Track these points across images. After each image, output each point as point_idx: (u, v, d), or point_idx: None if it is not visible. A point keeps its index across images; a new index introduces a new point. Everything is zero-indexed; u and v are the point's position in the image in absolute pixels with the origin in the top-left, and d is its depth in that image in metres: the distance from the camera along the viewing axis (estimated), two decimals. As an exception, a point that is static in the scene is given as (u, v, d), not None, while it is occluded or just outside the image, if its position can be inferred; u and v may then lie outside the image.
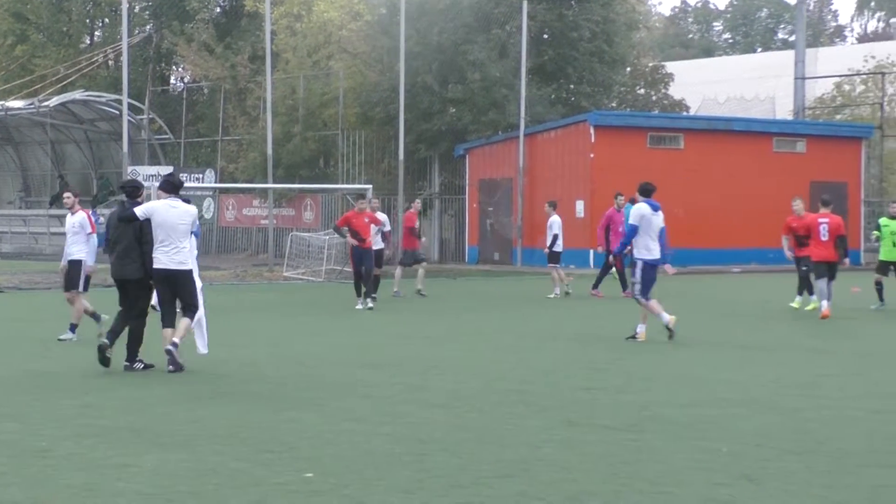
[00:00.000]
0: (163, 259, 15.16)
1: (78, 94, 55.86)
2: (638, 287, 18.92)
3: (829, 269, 23.70)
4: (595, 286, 29.16)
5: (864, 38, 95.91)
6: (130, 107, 47.16)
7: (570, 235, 42.19)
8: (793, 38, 70.20)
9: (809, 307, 24.58)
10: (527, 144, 43.50)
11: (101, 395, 13.17)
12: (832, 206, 24.79)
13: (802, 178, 44.67)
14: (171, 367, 14.97)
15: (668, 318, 18.77)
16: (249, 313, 24.15)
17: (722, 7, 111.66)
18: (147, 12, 63.74)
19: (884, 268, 25.55)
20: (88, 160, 61.11)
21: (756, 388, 13.69)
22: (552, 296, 28.74)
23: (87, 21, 67.74)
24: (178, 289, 15.34)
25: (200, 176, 48.48)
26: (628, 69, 52.81)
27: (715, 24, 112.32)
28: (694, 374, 14.93)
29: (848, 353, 17.70)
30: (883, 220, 25.89)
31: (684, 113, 52.53)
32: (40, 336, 19.59)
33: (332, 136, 48.41)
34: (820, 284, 23.70)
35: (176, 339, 15.04)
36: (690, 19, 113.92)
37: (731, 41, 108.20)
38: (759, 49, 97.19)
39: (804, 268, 24.66)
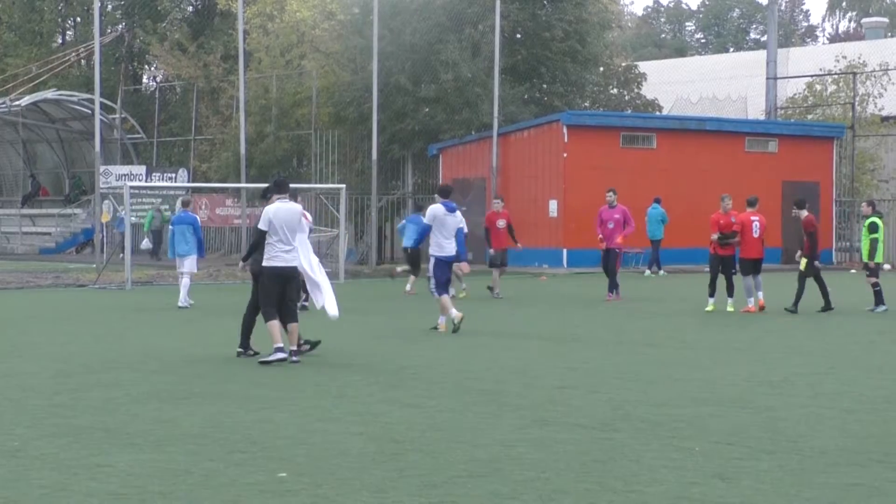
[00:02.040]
0: (283, 256, 16.23)
1: (50, 94, 55.63)
2: (433, 282, 20.59)
3: (753, 266, 24.46)
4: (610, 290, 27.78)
5: (835, 39, 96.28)
6: (103, 106, 46.96)
7: (544, 235, 42.33)
8: (764, 38, 70.43)
9: (709, 308, 24.53)
10: (500, 144, 43.51)
11: (73, 395, 13.13)
12: (758, 206, 25.40)
13: (774, 177, 44.84)
14: (295, 359, 16.16)
15: (456, 313, 20.02)
16: (222, 313, 24.08)
17: (694, 7, 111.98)
18: (119, 11, 63.53)
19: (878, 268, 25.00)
20: (60, 159, 60.89)
21: (728, 387, 13.74)
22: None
23: (59, 20, 67.49)
24: (289, 284, 16.36)
25: (173, 175, 48.37)
26: (601, 69, 52.83)
27: (687, 24, 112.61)
28: (666, 374, 14.96)
29: (820, 352, 17.78)
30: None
31: (657, 113, 52.60)
32: (11, 336, 19.53)
33: (306, 135, 48.30)
34: (746, 282, 24.45)
35: (294, 347, 16.19)
36: (663, 19, 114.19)
37: (703, 41, 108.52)
38: (732, 49, 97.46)
39: (733, 270, 24.70)
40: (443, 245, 20.29)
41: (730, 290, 24.66)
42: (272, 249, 16.15)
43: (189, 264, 25.70)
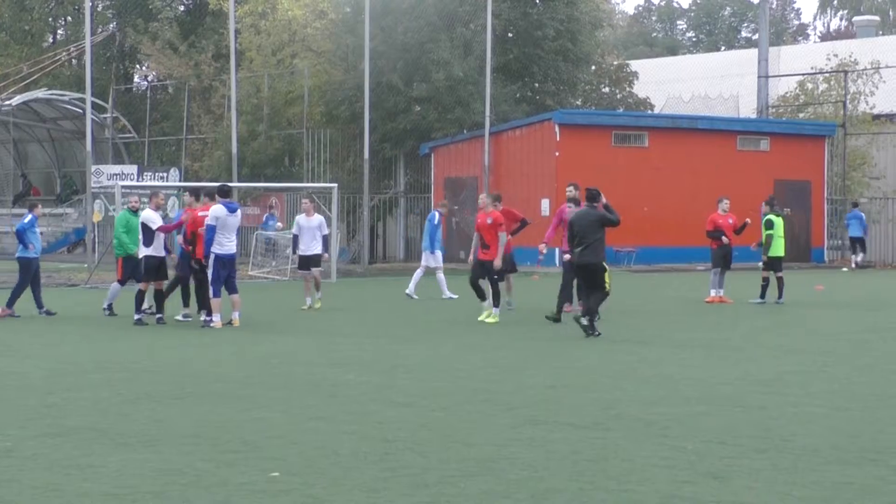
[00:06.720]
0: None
1: (41, 93, 55.50)
2: (212, 277, 20.93)
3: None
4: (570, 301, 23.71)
5: (826, 37, 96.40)
6: (94, 105, 46.90)
7: (536, 234, 42.26)
8: (756, 36, 70.52)
9: (490, 319, 22.08)
10: (492, 143, 43.51)
11: (65, 395, 13.12)
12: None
13: (766, 176, 44.86)
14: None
15: (217, 319, 20.78)
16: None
17: (685, 6, 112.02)
18: (110, 11, 63.42)
19: (774, 264, 26.25)
20: (52, 159, 60.77)
21: (721, 386, 13.75)
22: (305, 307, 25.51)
23: (50, 19, 67.36)
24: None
25: (165, 175, 48.25)
26: (593, 67, 52.88)
27: (679, 22, 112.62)
28: (659, 373, 14.97)
29: (812, 350, 17.78)
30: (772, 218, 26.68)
31: (649, 111, 52.62)
32: (2, 336, 19.50)
33: (298, 134, 48.30)
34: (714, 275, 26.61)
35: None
36: (654, 18, 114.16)
37: (694, 40, 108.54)
38: (723, 47, 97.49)
39: (496, 276, 22.18)
40: (224, 243, 21.05)
41: (494, 298, 22.40)
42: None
43: (436, 259, 28.39)
